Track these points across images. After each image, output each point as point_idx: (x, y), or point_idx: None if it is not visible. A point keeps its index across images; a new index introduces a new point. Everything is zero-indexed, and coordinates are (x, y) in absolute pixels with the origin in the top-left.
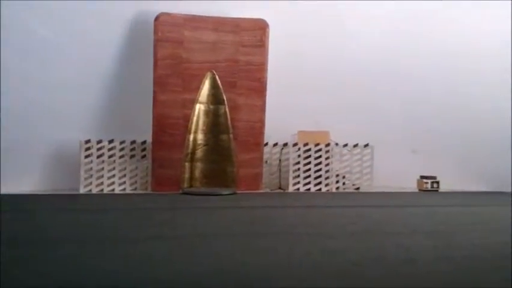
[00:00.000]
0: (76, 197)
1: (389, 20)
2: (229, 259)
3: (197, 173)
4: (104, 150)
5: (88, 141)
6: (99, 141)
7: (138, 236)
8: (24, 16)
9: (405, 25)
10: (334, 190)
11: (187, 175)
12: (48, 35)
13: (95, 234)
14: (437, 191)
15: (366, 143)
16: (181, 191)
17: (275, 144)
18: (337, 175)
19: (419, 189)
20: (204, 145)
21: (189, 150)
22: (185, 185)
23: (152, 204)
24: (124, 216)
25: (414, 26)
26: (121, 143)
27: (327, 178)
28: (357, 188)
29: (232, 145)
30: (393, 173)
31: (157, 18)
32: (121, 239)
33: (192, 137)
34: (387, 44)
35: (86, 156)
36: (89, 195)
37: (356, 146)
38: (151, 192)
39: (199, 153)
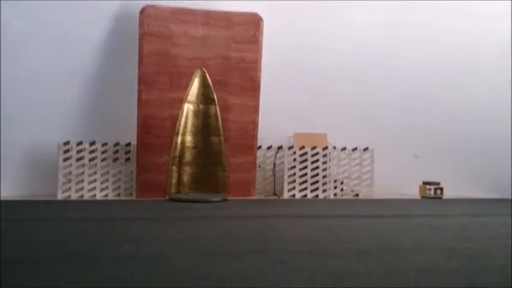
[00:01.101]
0: (50, 204)
1: (392, 16)
2: (216, 284)
3: (185, 177)
4: (85, 153)
5: (66, 143)
6: (79, 143)
7: (108, 255)
8: None
9: (407, 20)
10: (332, 196)
11: (174, 180)
12: (23, 27)
13: (57, 251)
14: (440, 198)
15: (365, 146)
16: (167, 197)
17: (269, 147)
18: (335, 180)
19: (422, 196)
20: (193, 148)
21: (177, 153)
22: (173, 190)
23: (133, 213)
24: (98, 228)
25: (416, 23)
26: (103, 145)
27: (324, 184)
28: (356, 195)
29: (223, 148)
30: (393, 178)
31: (142, 11)
32: (87, 257)
33: (179, 139)
34: (389, 43)
35: (65, 159)
36: (66, 202)
37: (354, 149)
38: (135, 198)
39: (187, 156)
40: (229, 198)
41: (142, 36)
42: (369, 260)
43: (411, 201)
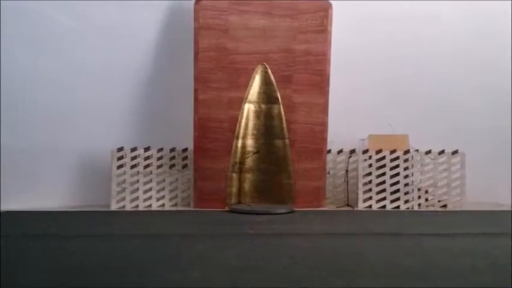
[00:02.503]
0: (102, 216)
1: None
2: None
3: (246, 186)
4: (140, 160)
5: (120, 149)
6: (133, 149)
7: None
8: (38, 2)
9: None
10: (416, 208)
11: (234, 189)
12: (69, 23)
13: (90, 279)
14: None
15: (454, 149)
16: (227, 208)
17: (340, 151)
18: (418, 189)
19: None
20: (255, 153)
21: (237, 159)
22: (233, 200)
23: (189, 229)
24: (148, 249)
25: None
26: (159, 150)
27: (406, 193)
28: (444, 206)
29: (288, 152)
30: (487, 185)
31: (197, 2)
32: None
33: (240, 143)
34: (477, 31)
35: (119, 167)
36: (119, 213)
37: (441, 153)
38: (193, 209)
39: (248, 162)
40: (296, 209)
41: (197, 30)
42: None
43: None
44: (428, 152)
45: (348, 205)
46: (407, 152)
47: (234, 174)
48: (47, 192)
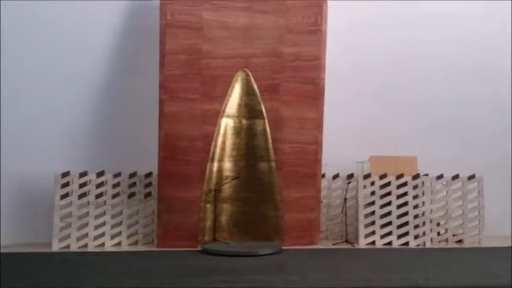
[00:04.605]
0: (36, 259)
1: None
2: None
3: (223, 219)
4: (90, 187)
5: (66, 174)
6: (83, 174)
7: None
8: None
9: None
10: (428, 244)
11: (208, 222)
12: (11, 25)
13: None
14: None
15: (470, 173)
16: (199, 247)
17: (335, 176)
18: (430, 221)
19: None
20: (234, 178)
21: (212, 186)
22: (206, 237)
23: (147, 282)
24: None
25: None
26: (115, 176)
27: (416, 226)
28: (460, 241)
29: (274, 178)
30: (504, 216)
31: None
32: None
33: (215, 166)
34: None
35: (63, 196)
36: (60, 256)
37: (455, 177)
38: (157, 249)
39: (226, 189)
40: (284, 247)
41: (164, 28)
42: None
43: None
44: (440, 177)
45: (347, 241)
46: (416, 176)
47: (208, 205)
48: None
